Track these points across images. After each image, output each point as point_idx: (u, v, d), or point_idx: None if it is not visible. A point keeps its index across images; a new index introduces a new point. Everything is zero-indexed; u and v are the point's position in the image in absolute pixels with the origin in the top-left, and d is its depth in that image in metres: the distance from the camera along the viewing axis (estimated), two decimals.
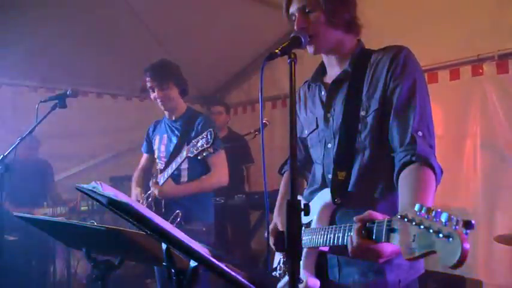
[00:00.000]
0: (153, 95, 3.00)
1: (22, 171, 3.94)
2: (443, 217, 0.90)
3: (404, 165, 1.41)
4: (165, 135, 3.12)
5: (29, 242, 3.93)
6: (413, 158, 1.39)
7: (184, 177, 2.97)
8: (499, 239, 2.98)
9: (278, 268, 1.82)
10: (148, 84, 2.98)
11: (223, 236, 4.67)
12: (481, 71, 3.63)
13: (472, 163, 3.65)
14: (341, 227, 1.38)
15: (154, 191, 2.88)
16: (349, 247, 1.26)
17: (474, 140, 3.65)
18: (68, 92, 2.76)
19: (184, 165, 2.91)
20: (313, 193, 1.72)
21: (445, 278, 3.43)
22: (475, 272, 3.50)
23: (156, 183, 2.90)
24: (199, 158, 2.58)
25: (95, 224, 1.69)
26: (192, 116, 3.02)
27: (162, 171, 2.98)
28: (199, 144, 2.53)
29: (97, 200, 1.14)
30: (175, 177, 2.93)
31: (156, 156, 3.18)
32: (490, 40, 3.49)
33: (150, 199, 3.03)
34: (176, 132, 3.05)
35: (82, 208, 4.63)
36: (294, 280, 1.12)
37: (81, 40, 4.27)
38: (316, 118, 1.73)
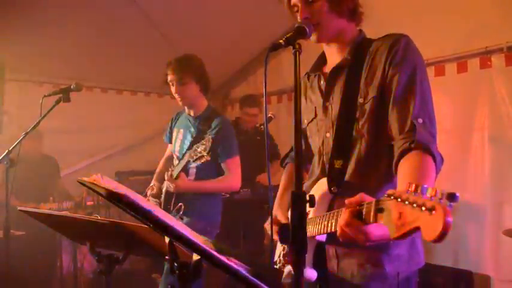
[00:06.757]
0: (172, 89, 2.97)
1: (28, 166, 3.95)
2: (429, 191, 0.88)
3: (403, 153, 1.38)
4: (182, 130, 3.12)
5: (35, 237, 3.94)
6: (413, 145, 1.36)
7: (191, 176, 2.99)
8: (507, 233, 2.95)
9: (278, 261, 1.81)
10: (169, 78, 2.95)
11: (235, 230, 4.63)
12: (489, 63, 3.56)
13: (480, 156, 3.59)
14: (334, 212, 1.36)
15: (170, 184, 2.91)
16: (338, 228, 1.23)
17: (482, 133, 3.59)
18: (72, 86, 2.76)
19: (193, 164, 2.94)
20: (312, 184, 1.69)
21: (453, 273, 3.40)
22: (482, 266, 3.47)
23: (171, 176, 2.92)
24: (199, 162, 2.71)
25: (99, 218, 1.68)
26: (210, 116, 3.00)
27: (175, 166, 3.02)
28: (198, 149, 2.64)
29: (98, 193, 1.13)
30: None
31: (172, 150, 3.19)
32: (498, 32, 3.43)
33: (164, 192, 3.07)
34: (192, 129, 3.04)
35: (88, 203, 4.65)
36: (299, 272, 1.11)
37: (87, 35, 4.27)
38: (315, 107, 1.72)
